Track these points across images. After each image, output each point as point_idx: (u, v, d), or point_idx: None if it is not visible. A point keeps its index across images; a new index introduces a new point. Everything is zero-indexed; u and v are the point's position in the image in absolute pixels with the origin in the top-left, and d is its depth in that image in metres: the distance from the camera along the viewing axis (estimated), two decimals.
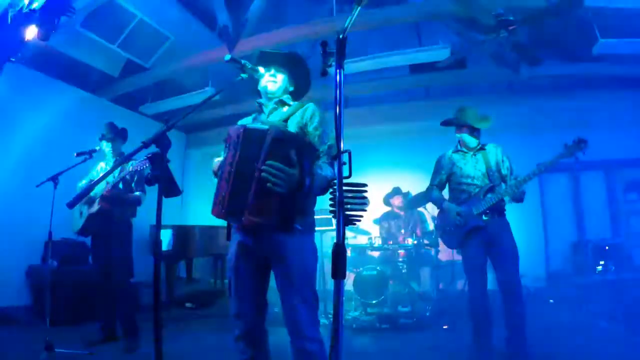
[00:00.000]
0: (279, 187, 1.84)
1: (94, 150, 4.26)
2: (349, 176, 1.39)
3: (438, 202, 3.82)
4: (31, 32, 4.51)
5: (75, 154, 4.16)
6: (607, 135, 6.57)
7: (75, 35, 5.47)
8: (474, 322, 3.52)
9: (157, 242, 1.95)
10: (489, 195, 3.46)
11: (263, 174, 1.85)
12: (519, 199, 3.43)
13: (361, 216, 1.61)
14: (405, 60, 5.81)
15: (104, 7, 5.26)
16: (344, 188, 1.35)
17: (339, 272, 1.25)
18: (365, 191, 1.64)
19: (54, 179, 3.94)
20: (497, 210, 3.50)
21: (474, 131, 3.67)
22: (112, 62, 6.33)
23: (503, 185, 3.55)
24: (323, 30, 5.63)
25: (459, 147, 3.79)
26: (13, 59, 5.03)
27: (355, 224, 1.58)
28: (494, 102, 7.12)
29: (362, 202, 1.60)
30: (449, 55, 5.37)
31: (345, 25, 1.39)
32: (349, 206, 1.42)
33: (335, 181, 1.37)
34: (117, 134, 4.37)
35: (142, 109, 7.39)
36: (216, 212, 2.07)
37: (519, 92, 7.25)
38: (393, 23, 5.62)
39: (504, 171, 3.60)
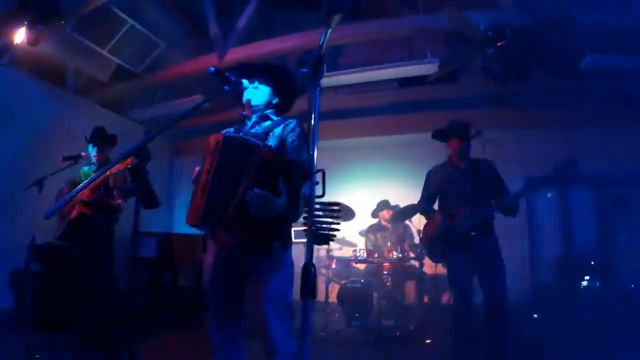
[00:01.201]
0: (263, 215, 1.83)
1: (80, 156, 4.22)
2: (322, 195, 1.39)
3: (427, 214, 3.81)
4: (20, 36, 4.53)
5: (60, 159, 4.13)
6: (596, 150, 6.65)
7: (66, 39, 5.45)
8: (457, 337, 3.52)
9: (134, 249, 1.93)
10: (477, 211, 3.44)
11: (248, 197, 1.84)
12: (512, 212, 3.43)
13: (334, 235, 1.61)
14: (393, 73, 5.84)
15: (95, 12, 5.25)
16: (317, 207, 1.36)
17: (306, 291, 1.26)
18: (339, 210, 1.64)
19: (39, 183, 3.91)
20: (486, 226, 3.48)
21: (464, 144, 3.65)
22: (102, 66, 6.31)
23: (492, 201, 3.50)
24: (314, 40, 5.65)
25: (449, 160, 3.78)
26: (1, 62, 5.05)
27: (328, 243, 1.59)
28: (483, 116, 7.19)
29: (334, 222, 1.60)
30: (437, 69, 5.40)
31: (321, 42, 1.40)
32: (321, 225, 1.43)
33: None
34: (105, 140, 4.34)
35: (132, 114, 7.37)
36: (190, 221, 2.05)
37: (508, 107, 7.31)
38: (383, 37, 5.67)
39: (496, 187, 3.57)
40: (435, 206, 3.87)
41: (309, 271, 1.29)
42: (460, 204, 3.57)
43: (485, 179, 3.58)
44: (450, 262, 3.62)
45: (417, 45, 6.65)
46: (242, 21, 5.85)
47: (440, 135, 3.79)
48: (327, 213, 1.60)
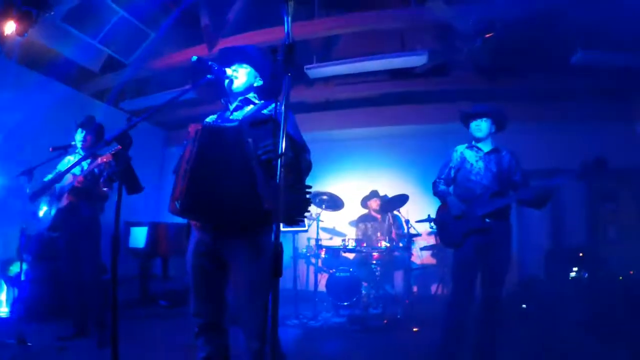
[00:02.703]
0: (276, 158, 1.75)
1: (70, 146, 4.24)
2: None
3: (443, 196, 3.67)
4: (10, 27, 4.53)
5: (51, 149, 4.14)
6: (585, 142, 6.70)
7: (56, 29, 5.46)
8: (447, 327, 3.45)
9: (115, 238, 1.94)
10: (496, 199, 3.35)
11: (262, 155, 1.84)
12: (537, 204, 3.37)
13: (304, 216, 1.64)
14: (383, 65, 5.86)
15: (85, 2, 5.24)
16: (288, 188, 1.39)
17: (276, 272, 1.29)
18: (309, 192, 1.68)
19: (28, 172, 3.91)
20: (502, 214, 3.39)
21: (492, 129, 3.58)
22: (93, 57, 6.31)
23: (511, 191, 3.44)
24: (304, 31, 5.69)
25: (475, 143, 3.65)
26: None
27: (299, 224, 1.62)
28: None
29: (305, 204, 1.63)
30: (426, 61, 5.42)
31: (286, 31, 1.43)
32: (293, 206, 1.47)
33: None
34: (94, 128, 4.35)
35: (123, 105, 7.37)
36: (171, 209, 2.07)
37: (498, 100, 7.35)
38: (374, 28, 5.68)
39: (515, 178, 3.49)
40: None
41: (278, 251, 1.32)
42: (477, 189, 3.48)
43: (507, 169, 3.50)
44: (458, 251, 3.49)
45: (408, 37, 6.69)
46: (233, 12, 5.87)
47: (464, 118, 3.70)
48: (298, 194, 1.63)
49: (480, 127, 3.55)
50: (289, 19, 1.46)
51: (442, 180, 3.72)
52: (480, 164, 3.53)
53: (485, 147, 3.59)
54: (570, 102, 6.91)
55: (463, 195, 3.55)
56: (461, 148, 3.70)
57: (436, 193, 3.76)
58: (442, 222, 3.68)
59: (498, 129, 3.62)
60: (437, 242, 6.16)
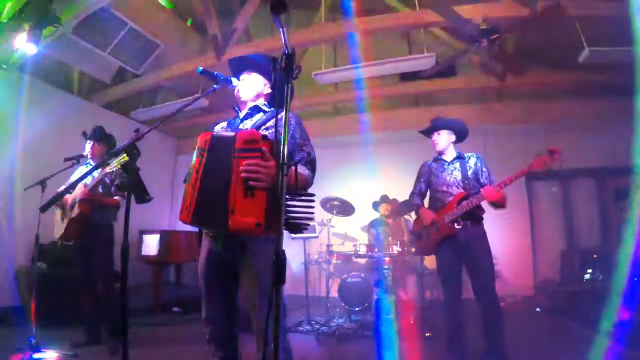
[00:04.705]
0: (262, 182, 1.81)
1: (82, 156, 4.31)
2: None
3: (416, 209, 3.88)
4: (21, 41, 4.64)
5: (63, 160, 4.21)
6: (597, 142, 6.64)
7: (67, 42, 5.56)
8: (448, 329, 3.55)
9: (124, 247, 1.97)
10: (462, 204, 3.48)
11: (242, 174, 1.83)
12: (500, 204, 3.43)
13: (307, 224, 1.65)
14: (392, 69, 5.86)
15: (94, 15, 5.33)
16: (290, 196, 1.40)
17: (278, 279, 1.31)
18: (312, 201, 1.68)
19: (42, 182, 3.99)
20: (472, 218, 3.51)
21: (450, 139, 3.74)
22: (104, 68, 6.41)
23: (477, 194, 3.51)
24: (312, 38, 5.72)
25: (438, 156, 3.84)
26: (5, 66, 5.15)
27: (302, 232, 1.62)
28: (483, 110, 7.22)
29: (308, 211, 1.64)
30: (434, 64, 5.42)
31: (284, 42, 1.45)
32: (296, 215, 1.48)
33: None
34: (103, 138, 4.42)
35: (134, 115, 7.46)
36: (183, 218, 2.06)
37: (507, 101, 7.32)
38: (381, 31, 5.70)
39: (483, 180, 3.61)
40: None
41: (280, 259, 1.33)
42: (445, 198, 3.64)
43: (473, 173, 3.64)
44: (437, 255, 3.66)
45: (415, 40, 6.70)
46: (241, 21, 5.92)
47: (425, 132, 3.90)
48: (301, 202, 1.64)
49: (438, 140, 3.78)
50: (284, 29, 1.46)
51: (416, 194, 3.93)
52: (446, 173, 3.72)
53: (449, 156, 3.78)
54: (580, 100, 6.86)
55: (436, 205, 3.73)
56: (429, 161, 3.91)
57: (411, 206, 4.04)
58: (417, 233, 3.87)
59: (459, 138, 3.82)
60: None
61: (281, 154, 1.45)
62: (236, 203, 1.85)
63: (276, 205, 1.88)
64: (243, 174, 1.83)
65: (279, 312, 1.34)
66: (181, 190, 2.17)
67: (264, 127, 2.25)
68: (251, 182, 1.81)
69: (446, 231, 3.53)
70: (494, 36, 4.70)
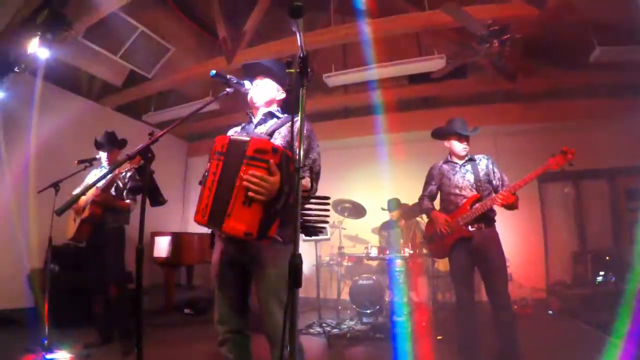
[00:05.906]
0: (261, 196, 1.85)
1: (95, 159, 4.37)
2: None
3: (427, 212, 3.86)
4: (33, 45, 4.69)
5: (76, 162, 4.25)
6: (608, 143, 6.57)
7: (78, 46, 5.61)
8: (460, 332, 3.54)
9: (139, 249, 1.98)
10: (475, 206, 3.47)
11: (244, 182, 1.86)
12: (511, 206, 3.40)
13: (323, 227, 1.66)
14: (401, 71, 5.86)
15: (105, 19, 5.37)
16: (307, 200, 1.41)
17: (295, 282, 1.31)
18: (327, 204, 1.69)
19: (55, 185, 4.02)
20: (485, 220, 3.49)
21: (462, 141, 3.70)
22: (115, 72, 6.48)
23: (490, 196, 3.51)
24: (321, 40, 5.72)
25: (449, 158, 3.82)
26: (17, 70, 5.20)
27: (318, 235, 1.63)
28: (494, 110, 7.18)
29: (323, 215, 1.64)
30: (444, 65, 5.40)
31: (300, 45, 1.45)
32: (311, 218, 1.48)
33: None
34: (114, 144, 4.46)
35: (145, 118, 7.52)
36: (198, 220, 2.08)
37: (518, 101, 7.27)
38: (391, 33, 5.69)
39: (495, 182, 3.60)
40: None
41: (296, 262, 1.34)
42: (458, 200, 3.62)
43: (485, 175, 3.63)
44: (450, 258, 3.65)
45: (425, 42, 6.68)
46: (250, 23, 5.94)
47: (439, 134, 3.86)
48: (317, 206, 1.64)
49: (467, 146, 3.72)
50: (301, 34, 1.47)
51: (426, 197, 3.90)
52: (458, 176, 3.69)
53: (461, 157, 3.75)
54: (591, 100, 6.81)
55: (448, 208, 3.70)
56: (440, 163, 3.88)
57: (422, 209, 3.97)
58: (431, 237, 3.82)
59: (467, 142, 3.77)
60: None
61: (298, 157, 1.46)
62: (234, 208, 1.90)
63: (273, 217, 1.93)
64: (245, 183, 1.86)
65: (294, 315, 1.35)
66: (192, 192, 2.20)
67: (277, 131, 2.27)
68: (250, 194, 1.85)
69: (460, 234, 3.51)
70: (505, 37, 4.67)
